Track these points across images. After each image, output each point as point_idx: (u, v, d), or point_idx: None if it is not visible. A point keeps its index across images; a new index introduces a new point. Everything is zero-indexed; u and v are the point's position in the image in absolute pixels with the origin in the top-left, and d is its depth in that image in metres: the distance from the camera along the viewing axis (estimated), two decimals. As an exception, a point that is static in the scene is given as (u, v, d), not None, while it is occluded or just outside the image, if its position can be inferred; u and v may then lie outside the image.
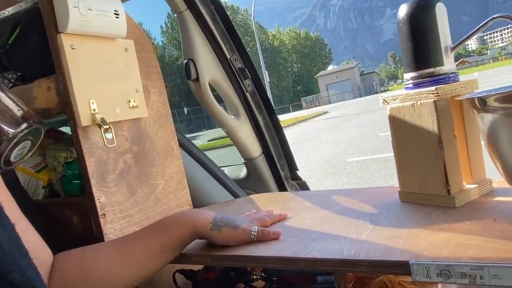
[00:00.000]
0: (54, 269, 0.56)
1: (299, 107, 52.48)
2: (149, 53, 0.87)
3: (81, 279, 0.57)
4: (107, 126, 0.71)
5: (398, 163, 0.70)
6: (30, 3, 0.75)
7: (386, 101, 0.70)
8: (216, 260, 0.64)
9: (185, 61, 0.95)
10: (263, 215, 0.73)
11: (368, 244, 0.55)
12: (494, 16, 0.58)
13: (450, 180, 0.62)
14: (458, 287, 0.63)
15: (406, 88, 0.68)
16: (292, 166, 1.15)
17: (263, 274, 0.73)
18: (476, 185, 0.66)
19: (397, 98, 0.67)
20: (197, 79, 0.95)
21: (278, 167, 1.12)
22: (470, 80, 0.65)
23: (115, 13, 0.74)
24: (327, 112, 26.22)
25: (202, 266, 0.80)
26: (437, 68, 0.64)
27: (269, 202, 0.91)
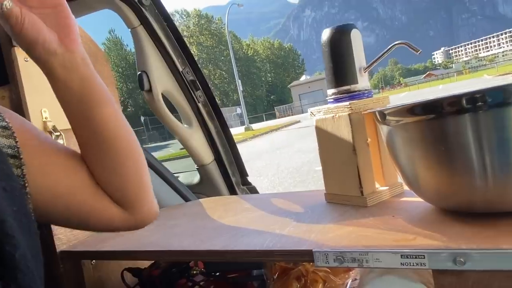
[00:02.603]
0: None
1: (273, 116, 53.01)
2: (103, 65, 0.93)
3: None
4: (58, 133, 0.76)
5: (323, 168, 0.79)
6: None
7: (313, 113, 0.79)
8: (152, 255, 0.71)
9: (139, 73, 1.01)
10: None
11: (286, 237, 0.63)
12: (396, 42, 0.68)
13: (363, 183, 0.72)
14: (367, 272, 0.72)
15: (328, 102, 0.77)
16: (242, 172, 1.23)
17: (203, 270, 0.79)
18: (387, 187, 0.76)
19: (321, 111, 0.77)
20: (150, 90, 1.02)
21: (229, 173, 1.20)
22: (382, 97, 0.75)
23: (68, 29, 0.80)
24: (299, 122, 26.62)
25: (149, 264, 0.86)
26: (352, 86, 0.74)
27: (216, 205, 0.98)
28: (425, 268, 0.49)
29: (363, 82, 0.74)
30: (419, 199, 0.65)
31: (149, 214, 0.58)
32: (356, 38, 0.73)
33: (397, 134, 0.60)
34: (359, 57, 0.74)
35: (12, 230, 0.36)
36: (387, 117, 0.61)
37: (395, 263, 0.50)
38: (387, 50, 0.69)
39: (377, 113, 0.63)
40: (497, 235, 0.50)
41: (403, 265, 0.50)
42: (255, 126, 28.53)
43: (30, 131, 0.53)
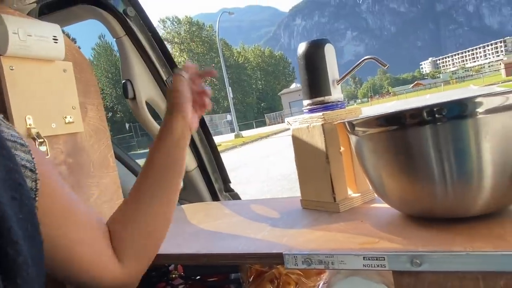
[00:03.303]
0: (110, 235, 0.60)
1: (263, 123, 53.14)
2: (87, 73, 0.96)
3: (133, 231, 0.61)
4: (42, 140, 0.78)
5: (299, 176, 0.83)
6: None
7: (289, 123, 0.82)
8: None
9: (123, 81, 1.04)
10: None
11: (260, 241, 0.66)
12: (366, 57, 0.72)
13: (336, 190, 0.75)
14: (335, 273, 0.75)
15: (304, 112, 0.81)
16: (225, 179, 1.26)
17: (182, 274, 0.82)
18: (359, 194, 0.79)
19: (297, 121, 0.80)
20: (134, 98, 1.04)
21: (212, 180, 1.23)
22: (354, 108, 0.79)
23: (53, 38, 0.83)
24: (289, 129, 26.67)
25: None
26: (326, 97, 0.77)
27: (197, 211, 1.00)
28: (385, 269, 0.52)
29: (336, 93, 0.78)
30: (387, 205, 0.68)
31: (142, 273, 0.63)
32: (330, 52, 0.77)
33: (364, 144, 0.64)
34: (333, 70, 0.78)
35: (16, 236, 0.38)
36: (356, 128, 0.65)
37: (358, 265, 0.53)
38: (357, 64, 0.73)
39: (346, 124, 0.67)
40: (453, 238, 0.53)
41: (365, 266, 0.53)
42: (245, 133, 28.57)
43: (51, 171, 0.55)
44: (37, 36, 0.80)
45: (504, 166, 0.54)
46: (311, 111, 0.79)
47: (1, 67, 0.76)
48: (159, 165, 0.64)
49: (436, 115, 0.55)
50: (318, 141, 0.75)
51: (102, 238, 0.58)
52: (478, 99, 0.54)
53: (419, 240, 0.54)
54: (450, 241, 0.52)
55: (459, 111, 0.55)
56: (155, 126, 1.10)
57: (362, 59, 0.72)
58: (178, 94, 0.67)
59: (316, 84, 0.77)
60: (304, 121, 0.78)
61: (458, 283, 0.49)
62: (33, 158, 0.49)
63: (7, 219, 0.38)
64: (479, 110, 0.54)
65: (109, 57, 40.54)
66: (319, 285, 0.71)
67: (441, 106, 0.55)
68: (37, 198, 0.48)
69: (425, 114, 0.56)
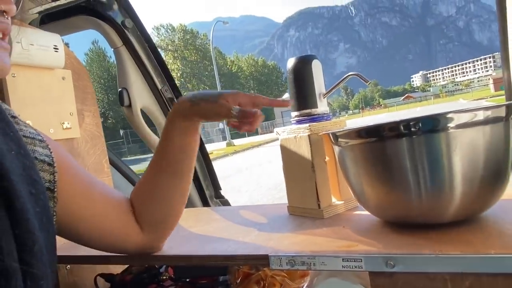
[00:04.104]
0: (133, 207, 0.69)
1: (255, 132, 53.31)
2: (85, 81, 0.99)
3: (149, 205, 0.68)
4: (40, 144, 0.82)
5: (286, 183, 0.87)
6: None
7: (278, 133, 0.87)
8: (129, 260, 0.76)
9: (119, 89, 1.08)
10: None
11: (248, 244, 0.70)
12: (349, 74, 0.78)
13: (320, 197, 0.80)
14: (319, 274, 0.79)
15: (292, 123, 0.86)
16: (216, 186, 1.29)
17: (172, 276, 0.85)
18: (343, 202, 0.84)
19: (285, 131, 0.85)
20: (129, 106, 1.08)
21: (203, 187, 1.26)
22: (339, 120, 0.84)
23: (54, 48, 0.87)
24: (280, 139, 26.72)
25: (121, 270, 0.90)
26: (313, 110, 0.82)
27: (188, 216, 1.04)
28: (362, 270, 0.56)
29: (322, 106, 0.83)
30: (367, 213, 0.73)
31: (163, 241, 0.72)
32: (317, 68, 0.82)
33: (346, 154, 0.69)
34: (319, 84, 0.83)
35: (33, 228, 0.43)
36: (339, 139, 0.70)
37: (337, 266, 0.58)
38: (342, 80, 0.78)
39: (330, 135, 0.71)
40: (424, 242, 0.58)
41: (344, 267, 0.57)
42: (237, 141, 28.61)
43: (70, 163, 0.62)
44: (39, 45, 0.84)
45: (472, 177, 0.59)
46: (298, 122, 0.83)
47: (4, 74, 0.79)
48: (176, 141, 0.68)
49: (412, 129, 0.60)
50: (304, 150, 0.80)
51: (123, 211, 0.67)
52: (449, 115, 0.58)
53: (394, 244, 0.59)
54: (422, 245, 0.57)
55: (432, 126, 0.60)
56: (148, 132, 1.14)
57: (346, 75, 0.77)
58: (207, 118, 0.67)
59: (303, 97, 0.82)
60: (291, 132, 0.83)
61: (428, 283, 0.54)
62: (51, 152, 0.54)
63: (26, 211, 0.42)
64: (450, 125, 0.58)
65: (102, 63, 40.45)
66: (302, 287, 0.75)
67: (416, 120, 0.60)
68: (56, 189, 0.54)
69: (402, 127, 0.60)
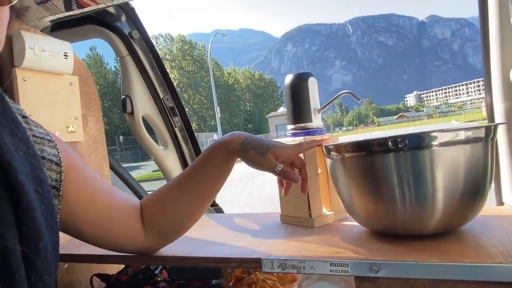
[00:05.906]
0: (142, 211, 0.71)
1: (249, 145, 53.12)
2: (91, 87, 1.03)
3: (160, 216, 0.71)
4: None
5: (280, 193, 0.91)
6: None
7: (274, 144, 0.91)
8: (126, 260, 0.79)
9: (123, 97, 1.12)
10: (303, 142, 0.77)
11: (241, 248, 0.74)
12: (343, 92, 0.83)
13: (312, 207, 0.84)
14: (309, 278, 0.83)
15: (287, 136, 0.90)
16: (211, 194, 1.33)
17: (167, 278, 0.88)
18: (333, 212, 0.88)
19: (280, 143, 0.89)
20: (132, 113, 1.12)
21: (199, 194, 1.30)
22: (331, 135, 0.89)
23: (64, 54, 0.91)
24: (274, 152, 26.80)
25: (117, 271, 0.93)
26: (307, 124, 0.87)
27: (183, 221, 1.07)
28: (348, 274, 0.60)
29: (316, 121, 0.88)
30: (356, 223, 0.77)
31: (162, 247, 0.76)
32: (313, 84, 0.87)
33: (337, 167, 0.73)
34: (315, 101, 0.88)
35: (39, 225, 0.46)
36: (331, 152, 0.74)
37: (325, 270, 0.62)
38: (335, 97, 0.83)
39: (323, 148, 0.76)
40: (407, 251, 0.62)
41: (332, 271, 0.61)
42: (230, 153, 28.59)
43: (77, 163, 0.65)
44: (50, 52, 0.88)
45: (453, 192, 0.64)
46: (294, 135, 0.88)
47: (16, 78, 0.83)
48: (212, 170, 0.71)
49: (399, 145, 0.64)
50: (298, 162, 0.84)
51: (129, 214, 0.69)
52: (433, 134, 0.63)
53: (378, 252, 0.63)
54: (404, 253, 0.61)
55: (417, 143, 0.64)
56: (149, 139, 1.18)
57: (340, 93, 0.82)
58: (252, 167, 0.71)
59: (299, 111, 0.87)
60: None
61: (409, 289, 0.58)
62: (59, 153, 0.57)
63: (33, 209, 0.45)
64: (434, 142, 0.63)
65: (99, 69, 40.50)
66: (292, 292, 0.79)
67: (403, 137, 0.65)
68: (61, 188, 0.56)
69: (390, 143, 0.65)
